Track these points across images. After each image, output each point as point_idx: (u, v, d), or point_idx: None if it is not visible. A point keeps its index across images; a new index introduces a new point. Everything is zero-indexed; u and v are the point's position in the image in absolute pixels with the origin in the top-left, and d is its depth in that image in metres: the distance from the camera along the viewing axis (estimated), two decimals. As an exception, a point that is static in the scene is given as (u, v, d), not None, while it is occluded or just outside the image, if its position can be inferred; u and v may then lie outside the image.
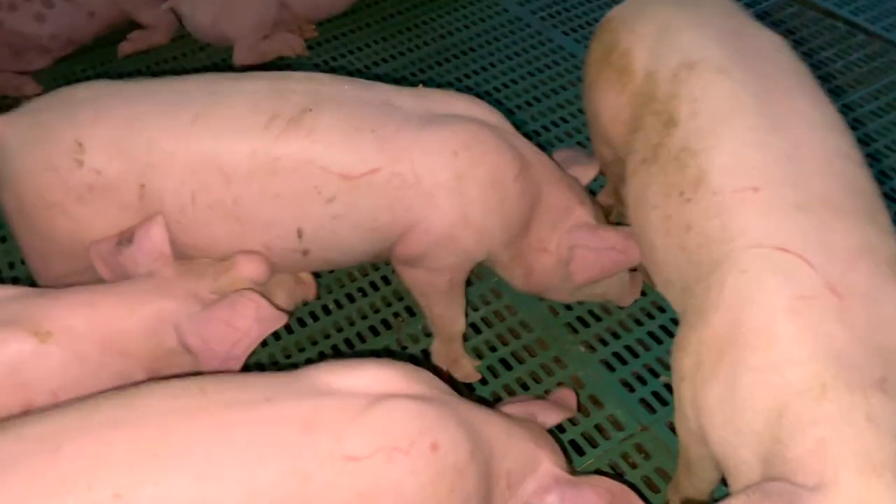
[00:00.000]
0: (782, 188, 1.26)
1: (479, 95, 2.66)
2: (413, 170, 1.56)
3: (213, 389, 1.07)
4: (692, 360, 1.25)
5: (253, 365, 1.93)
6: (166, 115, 1.55)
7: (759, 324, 1.15)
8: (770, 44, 1.52)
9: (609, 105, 1.68)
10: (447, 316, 1.80)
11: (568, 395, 1.62)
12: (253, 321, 1.36)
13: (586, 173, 1.89)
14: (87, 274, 1.62)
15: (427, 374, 1.24)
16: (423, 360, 1.92)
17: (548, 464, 1.29)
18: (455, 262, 1.68)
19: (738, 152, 1.33)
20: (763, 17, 2.98)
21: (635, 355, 1.93)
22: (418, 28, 3.05)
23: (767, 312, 1.15)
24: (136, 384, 1.15)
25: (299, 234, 1.58)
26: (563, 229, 1.73)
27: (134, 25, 2.97)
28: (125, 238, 1.52)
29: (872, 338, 1.10)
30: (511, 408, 1.44)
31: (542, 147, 2.34)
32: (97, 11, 2.87)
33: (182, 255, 1.61)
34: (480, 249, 1.68)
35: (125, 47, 2.95)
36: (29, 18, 2.77)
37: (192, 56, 2.97)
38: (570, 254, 1.72)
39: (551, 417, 1.48)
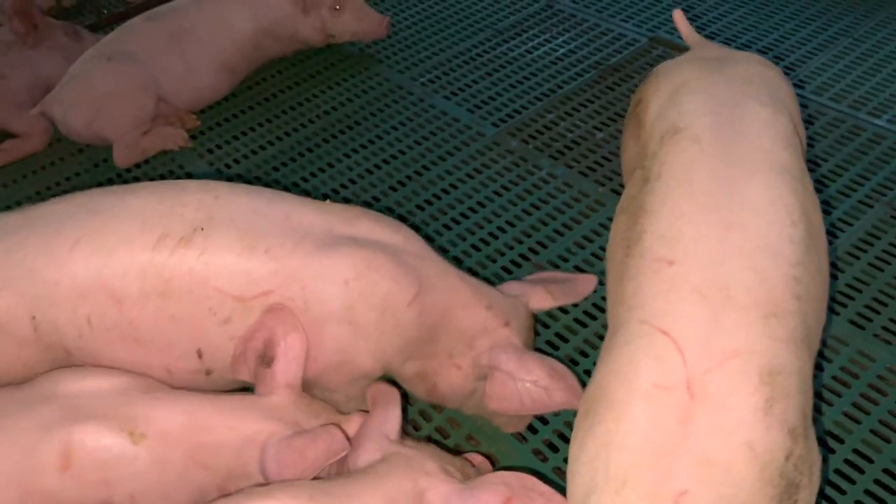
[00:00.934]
0: (691, 269, 1.27)
1: (369, 170, 2.72)
2: (303, 295, 1.52)
3: None
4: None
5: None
6: (44, 242, 1.50)
7: (615, 398, 1.19)
8: (760, 121, 1.49)
9: (627, 151, 1.75)
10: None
11: None
12: (321, 452, 1.36)
13: (541, 300, 1.77)
14: None
15: (308, 490, 1.26)
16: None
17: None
18: (349, 381, 1.65)
19: (672, 222, 1.35)
20: (630, 61, 3.13)
21: (544, 422, 1.96)
22: (302, 106, 3.06)
23: (626, 390, 1.19)
24: None
25: (199, 354, 1.55)
26: (481, 348, 1.65)
27: (5, 135, 2.87)
28: (266, 359, 1.51)
29: (697, 446, 1.12)
30: None
31: (434, 214, 2.38)
32: (-37, 125, 2.77)
33: None
34: (376, 369, 1.64)
35: (-2, 159, 2.84)
36: None
37: (70, 160, 2.87)
38: (489, 375, 1.64)
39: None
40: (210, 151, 2.87)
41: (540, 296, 1.76)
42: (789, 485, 1.14)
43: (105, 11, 3.49)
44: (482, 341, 1.65)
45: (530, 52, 3.23)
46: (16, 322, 1.50)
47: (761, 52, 3.10)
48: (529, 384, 1.58)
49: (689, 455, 1.11)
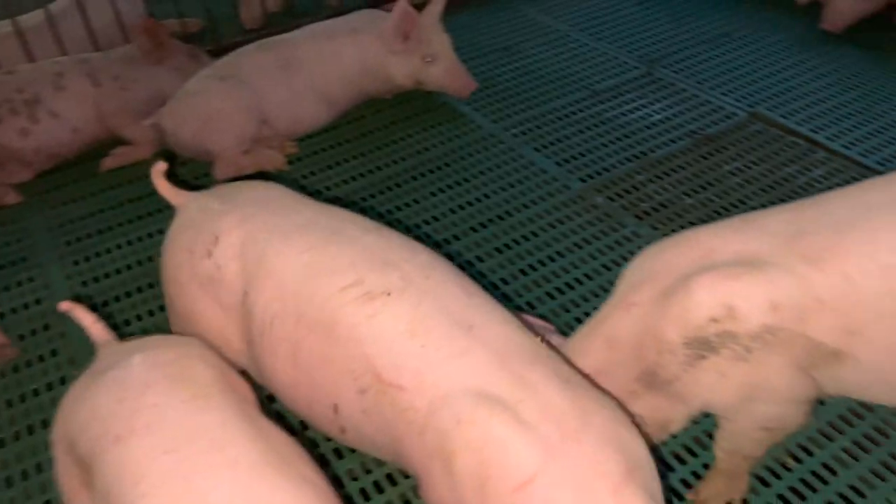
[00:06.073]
0: None
1: (452, 209, 2.76)
2: (425, 417, 1.33)
3: None
4: None
5: None
6: (287, 240, 1.58)
7: None
8: None
9: None
10: None
11: None
12: None
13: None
14: None
15: None
16: None
17: None
18: None
19: None
20: (727, 133, 3.11)
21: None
22: (395, 144, 3.15)
23: None
24: None
25: (335, 409, 1.49)
26: None
27: (117, 140, 3.05)
28: None
29: None
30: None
31: (511, 258, 2.37)
32: (81, 127, 2.97)
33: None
34: None
35: (108, 162, 3.02)
36: (13, 133, 2.86)
37: (173, 171, 3.02)
38: None
39: None
40: (304, 177, 2.97)
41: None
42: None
43: (224, 39, 3.71)
44: None
45: (625, 115, 3.24)
46: (233, 289, 1.62)
47: (849, 128, 3.02)
48: None
49: None
